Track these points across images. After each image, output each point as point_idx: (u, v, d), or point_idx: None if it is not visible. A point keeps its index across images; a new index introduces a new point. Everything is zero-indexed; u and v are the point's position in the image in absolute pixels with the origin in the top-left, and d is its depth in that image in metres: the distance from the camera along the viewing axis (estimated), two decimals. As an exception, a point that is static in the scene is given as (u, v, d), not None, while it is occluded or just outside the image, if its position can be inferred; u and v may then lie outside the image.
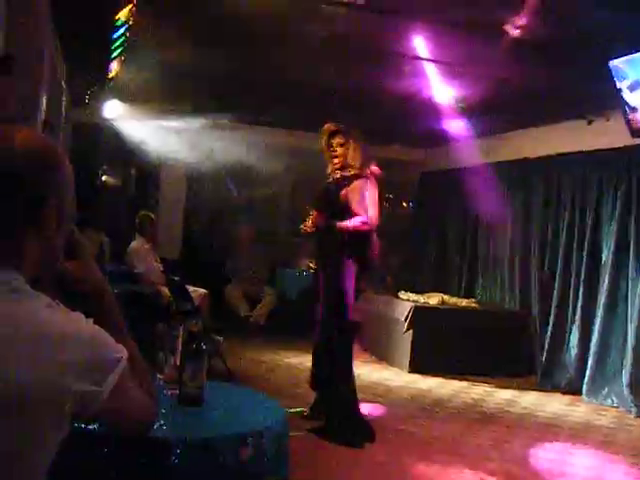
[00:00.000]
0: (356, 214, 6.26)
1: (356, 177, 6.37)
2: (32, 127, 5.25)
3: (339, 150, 6.45)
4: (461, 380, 9.17)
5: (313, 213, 6.46)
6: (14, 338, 1.51)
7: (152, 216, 9.54)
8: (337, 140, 6.48)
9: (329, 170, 6.63)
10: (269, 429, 2.62)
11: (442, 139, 11.57)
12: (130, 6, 6.28)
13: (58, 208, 1.69)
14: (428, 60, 7.30)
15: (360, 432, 6.25)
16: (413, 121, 10.14)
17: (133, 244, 9.25)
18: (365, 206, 6.28)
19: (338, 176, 6.48)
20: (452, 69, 7.64)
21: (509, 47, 6.60)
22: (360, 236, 6.33)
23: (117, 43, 7.19)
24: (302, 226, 6.54)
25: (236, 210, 13.01)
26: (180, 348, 2.97)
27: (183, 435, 2.47)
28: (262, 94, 9.66)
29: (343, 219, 6.27)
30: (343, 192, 6.33)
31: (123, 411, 1.76)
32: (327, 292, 6.40)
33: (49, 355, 1.53)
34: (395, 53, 7.31)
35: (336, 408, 6.39)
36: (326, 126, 6.62)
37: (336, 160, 6.48)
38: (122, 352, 1.69)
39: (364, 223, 6.25)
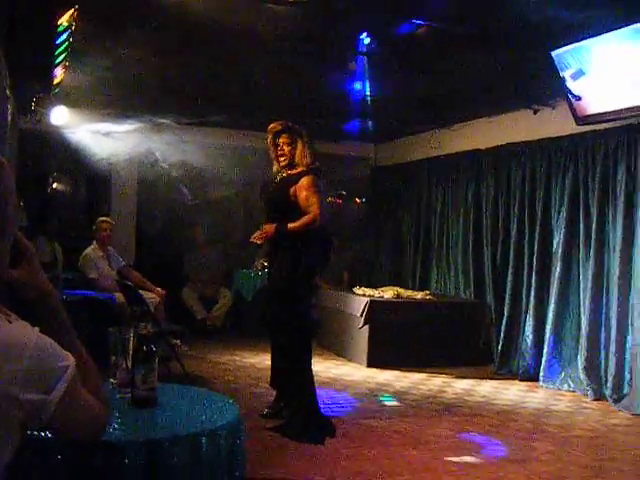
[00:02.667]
0: (304, 211, 6.28)
1: (303, 174, 6.38)
2: None
3: (285, 149, 6.48)
4: (419, 372, 9.23)
5: (262, 225, 6.50)
6: None
7: (107, 221, 9.46)
8: (283, 139, 6.50)
9: (275, 169, 6.67)
10: (223, 428, 2.62)
11: (392, 133, 11.65)
12: (72, 11, 6.23)
13: (0, 216, 1.69)
14: (372, 55, 7.32)
15: (320, 428, 6.27)
16: (362, 116, 10.15)
17: (86, 250, 9.19)
18: (312, 202, 6.28)
19: (285, 174, 6.50)
20: (396, 63, 7.68)
21: (453, 39, 6.67)
22: (311, 233, 6.34)
23: (60, 48, 7.13)
24: (252, 239, 6.61)
25: (190, 212, 12.96)
26: (131, 351, 2.96)
27: (136, 437, 2.46)
28: (210, 94, 9.63)
29: (293, 216, 6.29)
30: (291, 190, 6.35)
31: (74, 417, 1.76)
32: (282, 291, 6.39)
33: None
34: (342, 50, 7.34)
35: (296, 406, 6.40)
36: (272, 125, 6.63)
37: (282, 159, 6.50)
38: (69, 359, 1.69)
39: (313, 220, 6.25)
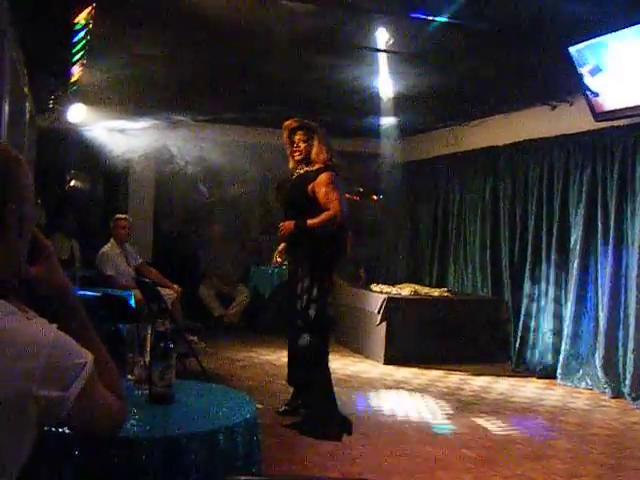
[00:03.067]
0: (324, 208, 6.25)
1: (321, 171, 6.35)
2: None
3: (301, 145, 6.46)
4: (437, 369, 9.21)
5: (281, 223, 6.51)
6: None
7: (124, 218, 9.45)
8: (298, 136, 6.49)
9: (290, 166, 6.66)
10: (240, 425, 2.62)
11: (409, 130, 11.62)
12: (89, 9, 6.25)
13: (18, 213, 1.70)
14: (390, 52, 7.31)
15: (338, 426, 6.27)
16: (379, 113, 10.13)
17: (104, 248, 9.21)
18: (332, 199, 6.25)
19: (302, 171, 6.48)
20: (415, 59, 7.66)
21: (471, 36, 6.65)
22: (330, 231, 6.33)
23: (78, 47, 7.15)
24: (273, 262, 7.20)
25: (207, 210, 12.98)
26: (148, 348, 2.97)
27: (153, 434, 2.47)
28: (226, 91, 9.64)
29: (312, 213, 6.26)
30: (310, 186, 6.31)
31: (91, 414, 1.77)
32: (301, 288, 6.38)
33: (11, 362, 1.53)
34: (359, 46, 7.32)
35: (314, 403, 6.40)
36: (287, 122, 6.63)
37: (297, 155, 6.49)
38: (86, 356, 1.69)
39: (334, 217, 6.24)
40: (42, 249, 1.87)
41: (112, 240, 9.27)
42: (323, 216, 6.23)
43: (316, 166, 6.41)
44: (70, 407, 1.63)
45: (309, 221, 6.25)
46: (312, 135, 6.48)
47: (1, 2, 5.50)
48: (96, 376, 1.72)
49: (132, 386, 2.94)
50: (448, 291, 10.61)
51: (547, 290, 9.17)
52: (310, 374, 6.45)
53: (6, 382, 1.51)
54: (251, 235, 13.26)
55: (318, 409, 6.34)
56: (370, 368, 9.29)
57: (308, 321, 6.37)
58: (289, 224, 6.36)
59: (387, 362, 9.43)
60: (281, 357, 9.48)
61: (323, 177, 6.30)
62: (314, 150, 6.43)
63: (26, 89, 8.28)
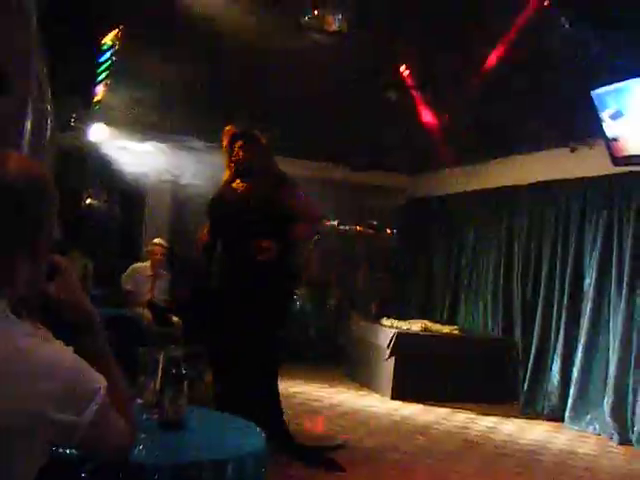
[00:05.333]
0: (299, 215, 5.74)
1: (279, 181, 5.87)
2: (21, 153, 5.23)
3: (241, 154, 5.88)
4: (444, 407, 9.15)
5: (257, 242, 5.57)
6: None
7: (157, 244, 9.30)
8: (239, 143, 5.92)
9: (225, 177, 6.08)
10: (249, 455, 2.60)
11: (427, 166, 11.64)
12: (117, 30, 6.32)
13: (45, 236, 1.71)
14: (413, 87, 7.35)
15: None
16: (397, 147, 10.16)
17: (135, 265, 9.18)
18: (305, 205, 5.84)
19: (242, 185, 5.90)
20: (434, 94, 7.70)
21: (491, 74, 6.67)
22: (293, 248, 5.91)
23: (103, 67, 7.22)
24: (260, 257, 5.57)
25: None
26: (160, 372, 2.96)
27: (162, 460, 2.45)
28: (247, 117, 9.67)
29: (281, 229, 5.68)
30: (278, 201, 5.74)
31: (103, 438, 1.76)
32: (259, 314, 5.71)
33: (28, 385, 1.53)
34: (376, 79, 7.36)
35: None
36: (227, 128, 6.08)
37: (234, 165, 5.95)
38: (101, 381, 1.69)
39: (316, 219, 5.99)
40: (56, 267, 1.86)
41: (148, 263, 9.19)
42: (303, 226, 5.79)
43: (267, 176, 5.87)
44: (83, 431, 1.62)
45: (292, 232, 5.73)
46: (254, 144, 5.94)
47: (30, 20, 5.54)
48: (109, 401, 1.72)
49: (142, 410, 2.93)
50: (458, 329, 10.56)
51: (558, 332, 9.12)
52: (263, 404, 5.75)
53: (22, 404, 1.51)
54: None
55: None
56: (377, 402, 9.24)
57: (264, 349, 5.84)
58: (268, 243, 5.54)
59: (394, 397, 9.37)
60: (288, 386, 9.47)
61: (287, 187, 5.84)
62: (260, 160, 5.90)
63: (49, 106, 8.33)
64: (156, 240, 9.38)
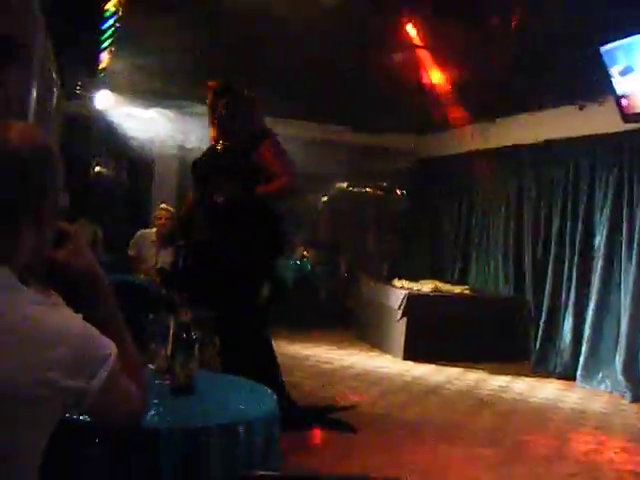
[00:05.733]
0: (274, 173, 5.40)
1: (260, 136, 5.56)
2: (26, 121, 5.22)
3: (223, 112, 5.61)
4: (455, 367, 9.19)
5: (223, 182, 5.32)
6: (2, 335, 1.52)
7: (162, 209, 9.20)
8: (222, 102, 5.63)
9: (212, 134, 5.82)
10: (260, 418, 2.62)
11: (434, 126, 11.58)
12: (119, -4, 6.28)
13: (51, 204, 1.71)
14: (418, 47, 7.29)
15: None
16: (405, 108, 10.10)
17: (141, 231, 9.14)
18: (281, 165, 5.45)
19: (226, 144, 5.65)
20: (443, 54, 7.63)
21: (500, 32, 6.61)
22: (272, 209, 5.57)
23: (107, 33, 7.18)
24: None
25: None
26: (171, 338, 2.97)
27: (173, 425, 2.47)
28: (252, 80, 9.63)
29: (253, 187, 5.35)
30: (254, 155, 5.45)
31: (113, 405, 1.76)
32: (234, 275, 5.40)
33: (36, 353, 1.53)
34: (388, 39, 7.31)
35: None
36: (210, 83, 5.80)
37: (217, 123, 5.70)
38: (111, 347, 1.69)
39: (286, 184, 5.41)
40: (65, 233, 1.86)
41: (154, 229, 9.12)
42: (275, 184, 5.37)
43: (250, 134, 5.59)
44: (93, 398, 1.62)
45: (259, 190, 5.34)
46: (238, 101, 5.65)
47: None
48: (120, 367, 1.72)
49: (153, 376, 2.94)
50: (469, 289, 10.56)
51: (569, 290, 9.11)
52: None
53: (31, 371, 1.51)
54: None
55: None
56: (389, 363, 9.28)
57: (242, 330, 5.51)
58: (232, 183, 5.31)
59: (406, 358, 9.41)
60: (301, 349, 9.53)
61: (267, 142, 5.51)
62: (243, 118, 5.61)
63: (54, 75, 8.30)
64: (161, 205, 9.32)
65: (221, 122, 5.66)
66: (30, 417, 1.53)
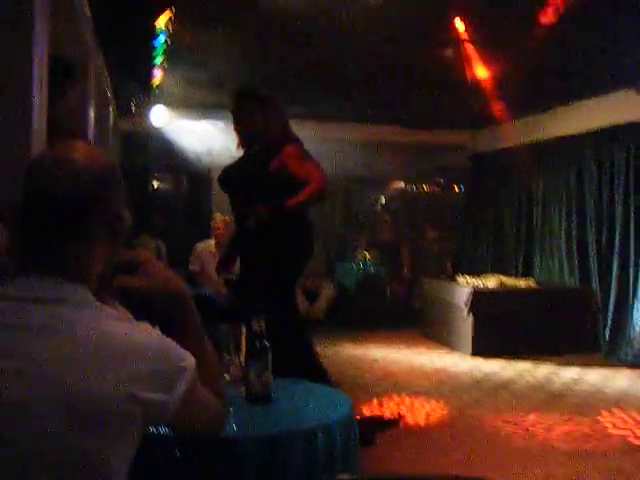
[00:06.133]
0: (302, 179, 5.08)
1: (283, 142, 5.22)
2: (88, 142, 5.30)
3: (250, 118, 5.31)
4: (525, 361, 9.10)
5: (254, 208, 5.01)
6: (80, 353, 1.55)
7: (220, 219, 9.22)
8: (248, 106, 5.35)
9: (238, 142, 5.50)
10: (337, 422, 2.62)
11: (489, 120, 11.50)
12: (169, 13, 6.35)
13: (120, 220, 1.75)
14: (468, 40, 7.25)
15: None
16: (459, 104, 10.05)
17: (198, 244, 9.21)
18: (310, 169, 5.12)
19: (256, 148, 5.35)
20: (493, 46, 7.58)
21: (552, 17, 6.53)
22: (300, 217, 5.27)
23: (158, 50, 7.28)
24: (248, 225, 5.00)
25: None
26: (244, 347, 2.99)
27: (253, 433, 2.49)
28: (305, 88, 9.68)
29: (281, 196, 5.02)
30: (274, 162, 5.13)
31: (193, 416, 1.79)
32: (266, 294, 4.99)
33: (117, 368, 1.56)
34: (438, 35, 7.28)
35: None
36: (236, 90, 5.56)
37: (238, 132, 5.42)
38: (189, 359, 1.72)
39: (319, 189, 5.10)
40: (136, 262, 1.89)
41: (212, 240, 9.15)
42: (306, 191, 5.03)
43: (273, 140, 5.26)
44: (173, 410, 1.65)
45: (290, 201, 4.99)
46: (256, 107, 5.32)
47: (83, 10, 5.61)
48: (198, 378, 1.75)
49: (228, 385, 2.97)
50: (535, 282, 10.46)
51: (637, 278, 8.99)
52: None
53: (113, 386, 1.54)
54: (333, 230, 13.29)
55: None
56: (458, 361, 9.23)
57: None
58: (263, 207, 4.96)
59: (475, 354, 9.36)
60: (367, 351, 9.53)
61: (291, 149, 5.18)
62: (266, 122, 5.29)
63: (109, 93, 8.43)
64: (217, 214, 9.36)
65: (240, 131, 5.42)
66: (114, 431, 1.55)
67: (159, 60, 7.63)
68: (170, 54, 7.50)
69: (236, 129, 5.43)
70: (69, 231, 1.67)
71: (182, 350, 1.72)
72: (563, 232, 10.57)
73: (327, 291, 11.88)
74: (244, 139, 5.40)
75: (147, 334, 1.67)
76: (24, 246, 1.70)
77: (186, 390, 1.67)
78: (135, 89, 9.13)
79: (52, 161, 1.69)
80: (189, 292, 1.97)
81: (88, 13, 6.01)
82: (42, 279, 1.64)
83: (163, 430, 2.17)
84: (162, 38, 6.98)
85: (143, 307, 1.83)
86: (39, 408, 1.49)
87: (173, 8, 6.28)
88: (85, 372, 1.53)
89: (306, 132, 11.88)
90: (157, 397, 1.61)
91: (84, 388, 1.51)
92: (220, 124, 11.46)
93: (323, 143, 11.78)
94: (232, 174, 5.47)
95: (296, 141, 5.31)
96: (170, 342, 1.70)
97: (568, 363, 9.00)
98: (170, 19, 6.49)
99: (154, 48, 7.17)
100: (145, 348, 1.62)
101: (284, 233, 5.12)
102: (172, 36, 6.91)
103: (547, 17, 6.34)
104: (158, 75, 8.24)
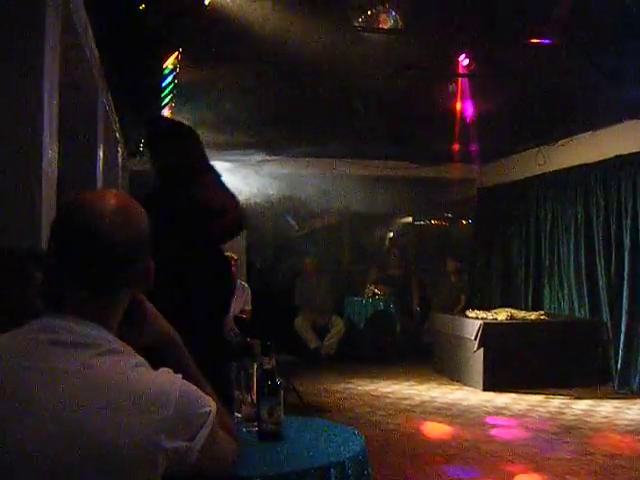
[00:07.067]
0: (217, 209, 4.77)
1: (195, 172, 4.87)
2: (117, 190, 5.09)
3: (165, 148, 4.95)
4: (537, 394, 9.06)
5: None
6: (108, 401, 1.55)
7: (231, 257, 9.13)
8: (160, 136, 5.06)
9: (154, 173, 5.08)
10: (350, 459, 2.62)
11: (496, 153, 11.55)
12: (176, 54, 6.42)
13: (151, 271, 1.80)
14: (473, 75, 7.30)
15: None
16: (465, 138, 10.09)
17: None
18: (220, 200, 4.81)
19: (171, 178, 4.93)
20: (498, 80, 7.63)
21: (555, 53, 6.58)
22: (216, 250, 5.01)
23: (166, 91, 7.35)
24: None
25: (298, 242, 13.10)
26: (255, 385, 2.99)
27: (266, 471, 2.48)
28: (309, 126, 9.75)
29: (196, 228, 4.70)
30: (188, 194, 4.77)
31: (213, 459, 1.79)
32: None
33: (141, 416, 1.56)
34: (441, 72, 7.34)
35: None
36: (146, 120, 5.31)
37: (159, 159, 5.01)
38: (211, 404, 1.73)
39: (235, 217, 4.89)
40: (138, 306, 1.91)
41: None
42: (217, 225, 4.80)
43: (177, 174, 4.89)
44: (196, 456, 1.65)
45: (212, 226, 4.75)
46: (161, 140, 5.01)
47: (92, 51, 5.67)
48: (217, 421, 1.75)
49: (240, 423, 2.96)
50: (545, 314, 10.43)
51: (646, 309, 8.97)
52: None
53: (138, 434, 1.54)
54: (342, 266, 13.33)
55: None
56: (469, 395, 9.19)
57: None
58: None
59: (486, 388, 9.31)
60: (379, 387, 9.51)
61: (206, 179, 4.90)
62: (168, 156, 4.92)
63: (117, 134, 8.49)
64: (225, 253, 9.26)
65: (153, 165, 5.05)
66: (136, 477, 1.55)
67: (167, 100, 7.70)
68: (178, 94, 7.58)
69: (151, 160, 5.06)
70: (118, 276, 1.68)
71: (204, 396, 1.73)
72: (572, 263, 10.55)
73: (337, 327, 11.86)
74: (159, 169, 4.99)
75: (170, 381, 1.67)
76: (54, 287, 1.70)
77: (208, 435, 1.68)
78: (144, 130, 9.19)
79: (103, 207, 1.68)
80: (176, 334, 2.00)
81: (96, 55, 6.08)
82: (68, 322, 1.64)
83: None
84: (170, 78, 7.05)
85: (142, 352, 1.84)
86: (59, 456, 1.49)
87: (181, 49, 6.35)
88: (109, 420, 1.53)
89: (314, 169, 12.08)
90: (180, 445, 1.61)
91: (107, 437, 1.51)
92: (225, 164, 11.55)
93: (330, 180, 11.89)
94: (150, 205, 5.08)
95: (212, 171, 5.01)
96: (192, 388, 1.71)
97: (580, 395, 8.95)
98: (178, 59, 6.55)
99: (162, 88, 7.24)
100: (169, 395, 1.62)
101: (200, 266, 4.71)
102: (180, 76, 6.98)
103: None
104: (166, 114, 8.30)
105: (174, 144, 4.90)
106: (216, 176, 4.99)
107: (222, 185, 4.97)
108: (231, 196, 4.92)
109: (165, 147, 4.92)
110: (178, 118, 8.58)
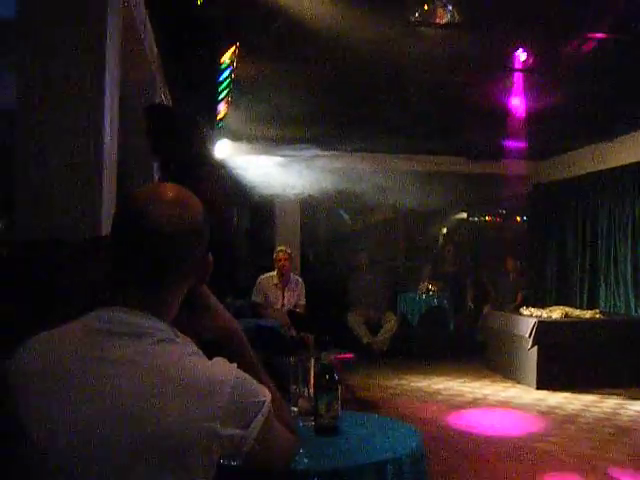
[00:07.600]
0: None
1: (201, 165, 4.35)
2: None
3: (169, 137, 4.43)
4: (591, 394, 8.95)
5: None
6: (162, 388, 1.57)
7: (281, 250, 9.26)
8: (165, 123, 4.50)
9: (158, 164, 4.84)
10: (407, 455, 2.61)
11: (553, 150, 11.43)
12: (234, 48, 6.45)
13: (208, 264, 1.84)
14: (530, 71, 7.24)
15: None
16: (521, 134, 10.00)
17: (261, 276, 9.23)
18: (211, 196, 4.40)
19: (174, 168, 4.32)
20: (556, 77, 7.56)
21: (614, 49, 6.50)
22: None
23: (223, 85, 7.39)
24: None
25: (352, 238, 13.11)
26: (313, 380, 3.00)
27: (323, 466, 2.49)
28: (365, 121, 9.74)
29: None
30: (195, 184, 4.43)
31: (269, 449, 1.80)
32: None
33: (197, 404, 1.58)
34: (496, 67, 7.29)
35: None
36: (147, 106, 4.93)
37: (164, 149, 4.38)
38: (266, 394, 1.74)
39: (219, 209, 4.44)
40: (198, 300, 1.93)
41: (275, 271, 9.18)
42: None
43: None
44: (251, 445, 1.67)
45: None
46: (156, 127, 4.43)
47: (151, 46, 5.72)
48: (272, 412, 1.76)
49: (297, 418, 2.98)
50: (600, 312, 10.30)
51: None
52: None
53: (193, 422, 1.56)
54: (396, 262, 13.30)
55: None
56: (522, 393, 9.11)
57: None
58: None
59: (539, 387, 9.23)
60: (432, 384, 9.47)
61: (205, 170, 4.42)
62: (186, 141, 4.42)
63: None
64: (279, 247, 9.37)
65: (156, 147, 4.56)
66: (192, 467, 1.56)
67: (224, 94, 7.75)
68: (235, 88, 7.62)
69: (154, 149, 4.52)
70: (172, 268, 1.70)
71: (258, 385, 1.75)
72: (629, 261, 10.43)
73: (390, 323, 11.83)
74: (163, 159, 4.47)
75: (224, 370, 1.69)
76: (112, 278, 1.73)
77: (263, 424, 1.69)
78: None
79: (160, 199, 1.71)
80: (239, 327, 2.04)
81: (155, 50, 6.14)
82: (127, 312, 1.66)
83: (232, 462, 2.18)
84: (227, 73, 7.09)
85: (205, 345, 1.85)
86: (117, 441, 1.52)
87: (238, 44, 6.38)
88: (166, 408, 1.55)
89: (367, 165, 12.09)
90: (235, 433, 1.63)
91: (165, 424, 1.53)
92: (282, 158, 11.60)
93: (384, 175, 11.87)
94: None
95: (209, 166, 4.74)
96: (247, 377, 1.73)
97: (636, 396, 8.83)
98: (235, 54, 6.59)
99: (220, 82, 7.29)
100: (223, 383, 1.64)
101: None
102: (236, 70, 7.03)
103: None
104: (223, 109, 8.36)
105: (188, 132, 4.50)
106: (213, 172, 4.97)
107: (219, 179, 5.09)
108: (224, 194, 5.04)
109: (177, 137, 4.44)
110: (234, 112, 8.65)
